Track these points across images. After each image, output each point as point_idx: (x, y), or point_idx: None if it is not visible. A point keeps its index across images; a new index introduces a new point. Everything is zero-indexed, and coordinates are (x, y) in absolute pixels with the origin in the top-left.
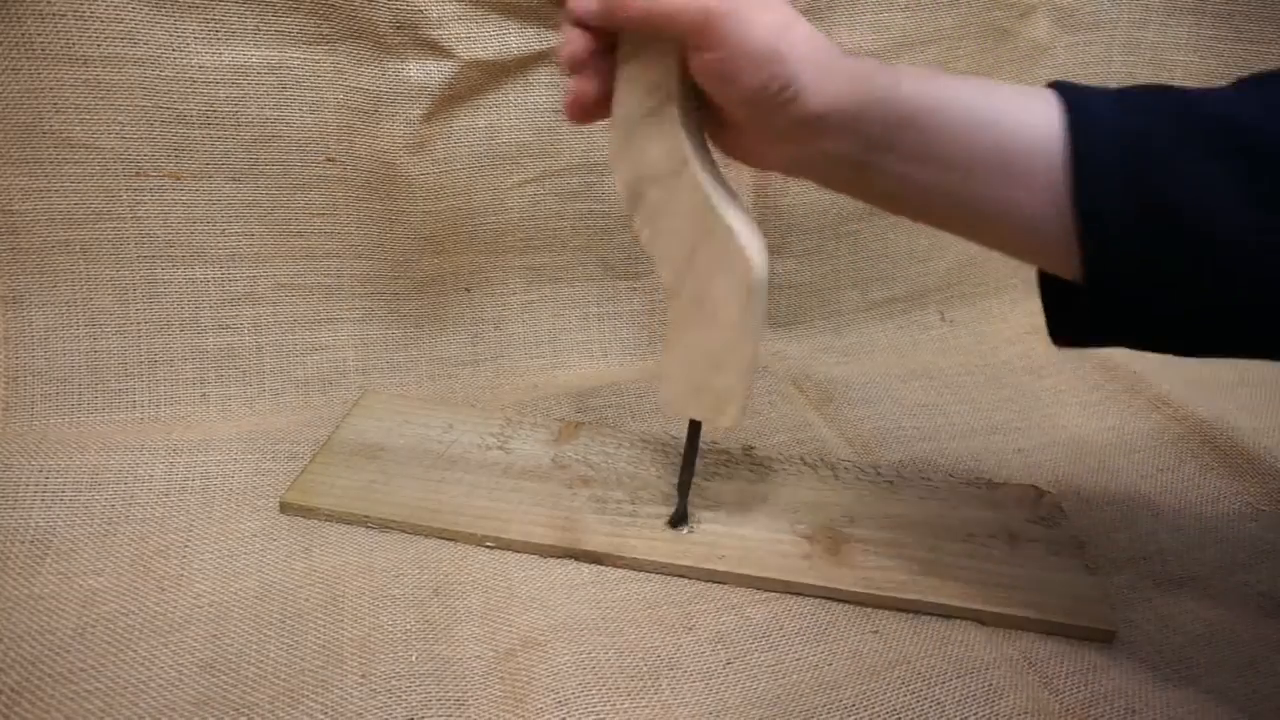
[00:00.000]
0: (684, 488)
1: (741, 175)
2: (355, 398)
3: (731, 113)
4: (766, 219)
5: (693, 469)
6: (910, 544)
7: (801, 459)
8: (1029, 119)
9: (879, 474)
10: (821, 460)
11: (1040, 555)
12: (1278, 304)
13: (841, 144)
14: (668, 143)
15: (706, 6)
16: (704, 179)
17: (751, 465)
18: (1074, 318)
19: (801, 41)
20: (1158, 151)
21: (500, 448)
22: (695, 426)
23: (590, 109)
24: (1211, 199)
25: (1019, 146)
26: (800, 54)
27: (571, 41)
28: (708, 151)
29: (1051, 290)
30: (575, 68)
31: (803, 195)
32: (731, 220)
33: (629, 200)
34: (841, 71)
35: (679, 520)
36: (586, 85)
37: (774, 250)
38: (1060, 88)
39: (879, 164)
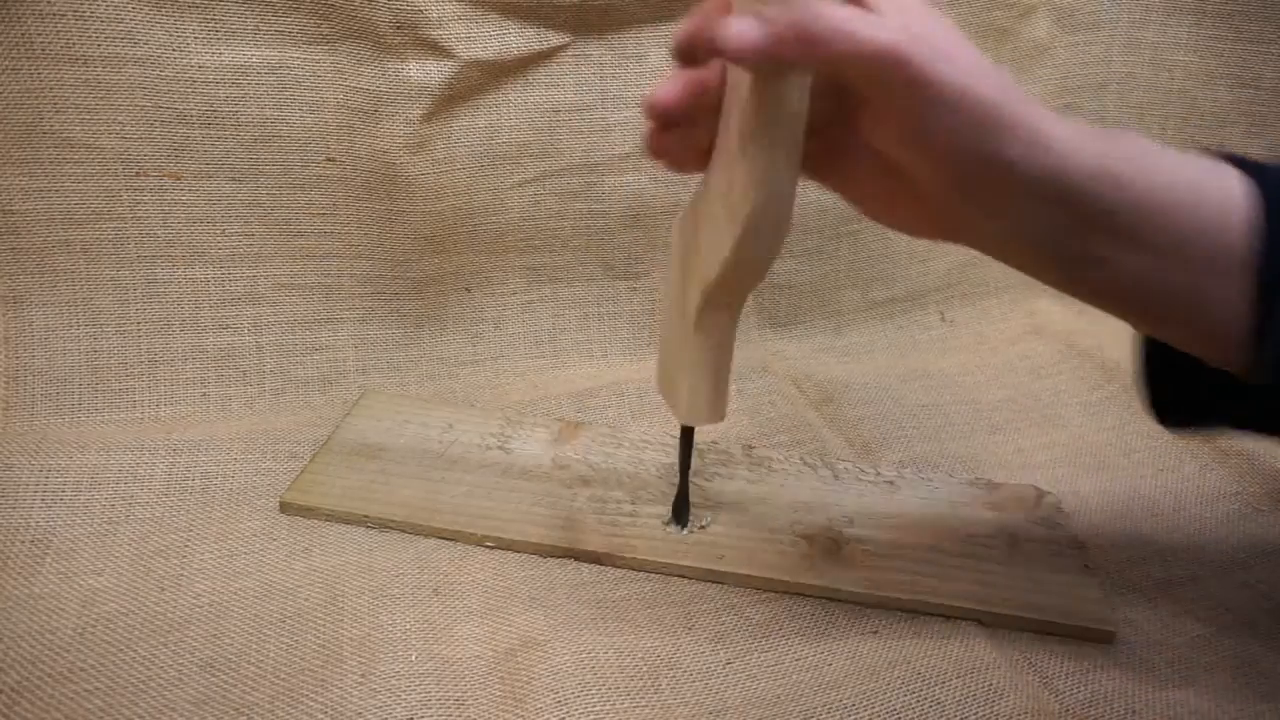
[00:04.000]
0: (682, 488)
1: None
2: (355, 398)
3: (920, 173)
4: None
5: (688, 468)
6: (910, 544)
7: (801, 459)
8: (1224, 199)
9: (879, 474)
10: (821, 460)
11: (1040, 555)
12: None
13: (1049, 218)
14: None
15: (911, 50)
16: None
17: (751, 465)
18: (1196, 402)
19: (1014, 93)
20: None
21: (500, 448)
22: (688, 427)
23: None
24: None
25: (1218, 232)
26: (1018, 109)
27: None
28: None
29: (1157, 371)
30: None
31: (803, 195)
32: (688, 215)
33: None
34: (1063, 133)
35: (679, 520)
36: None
37: None
38: (1241, 163)
39: (1091, 247)
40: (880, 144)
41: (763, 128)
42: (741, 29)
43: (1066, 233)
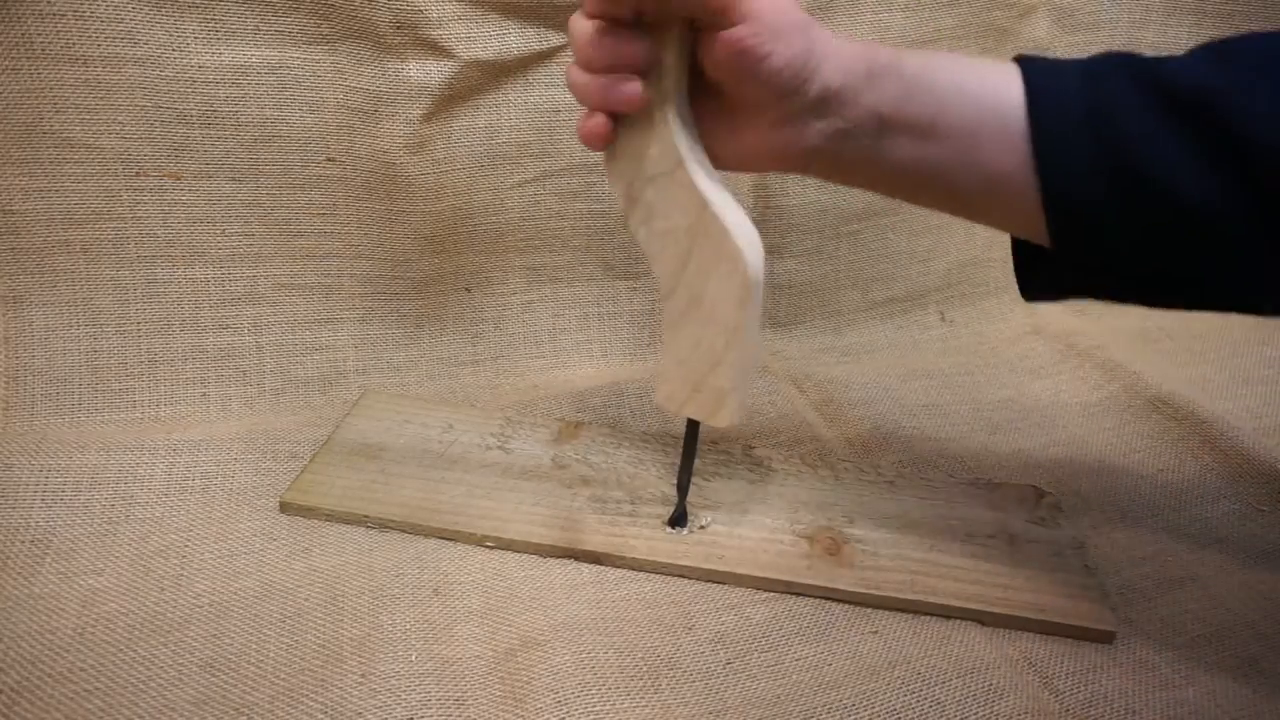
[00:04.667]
0: (683, 488)
1: (740, 176)
2: (355, 398)
3: (745, 92)
4: (767, 219)
5: (691, 469)
6: (910, 544)
7: (801, 459)
8: (1005, 91)
9: (879, 474)
10: (821, 460)
11: (1040, 555)
12: (1230, 260)
13: (849, 123)
14: (662, 143)
15: None
16: (699, 178)
17: (751, 465)
18: (1044, 274)
19: (810, 19)
20: (1117, 117)
21: (500, 448)
22: (693, 426)
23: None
24: (1168, 160)
25: (999, 119)
26: (815, 28)
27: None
28: (702, 151)
29: (1022, 248)
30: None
31: (803, 195)
32: (726, 219)
33: (625, 201)
34: (849, 46)
35: (679, 520)
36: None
37: (774, 250)
38: (1023, 61)
39: (882, 143)
40: (717, 71)
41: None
42: None
43: (861, 132)
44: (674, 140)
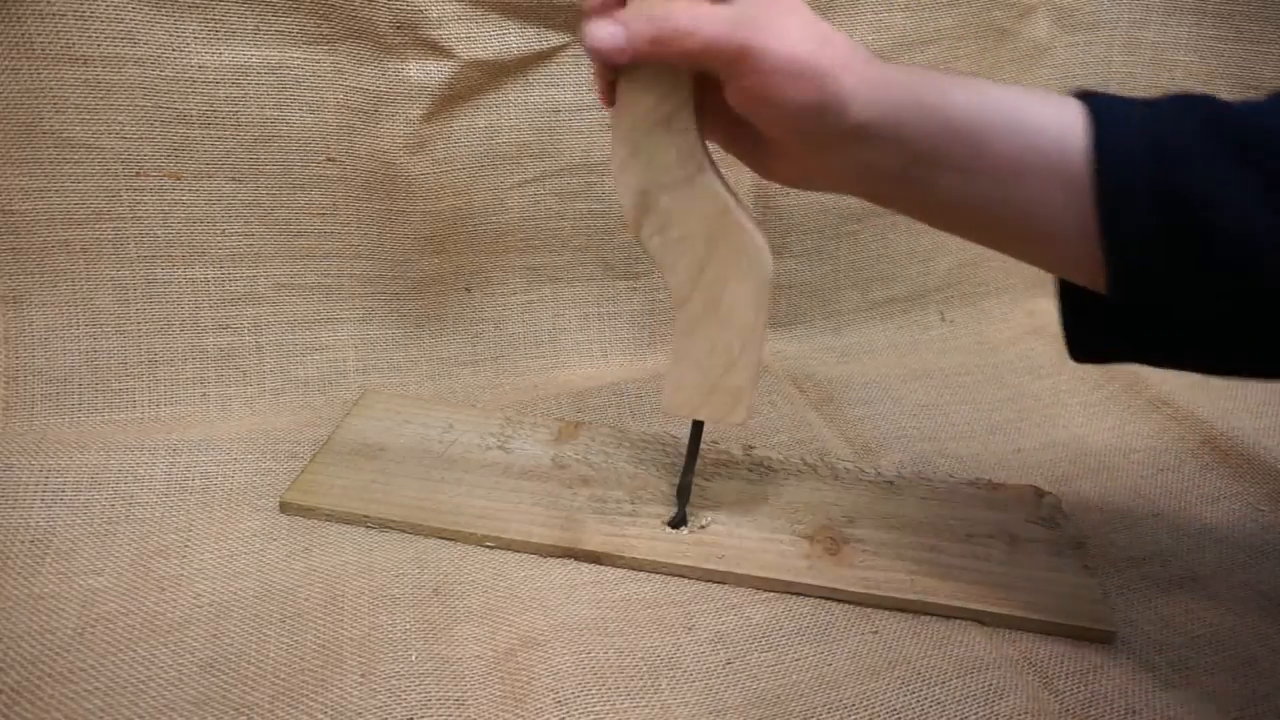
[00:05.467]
0: (684, 488)
1: (741, 175)
2: (355, 398)
3: (772, 132)
4: (767, 219)
5: (694, 469)
6: (910, 544)
7: (801, 459)
8: (1060, 126)
9: (879, 474)
10: (821, 460)
11: (1040, 555)
12: None
13: (887, 156)
14: (681, 150)
15: (738, 35)
16: (718, 184)
17: (751, 465)
18: (1094, 333)
19: (840, 51)
20: (1179, 154)
21: (500, 448)
22: (698, 427)
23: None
24: (1231, 202)
25: (1052, 154)
26: (840, 64)
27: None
28: (711, 156)
29: (1071, 306)
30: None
31: (803, 195)
32: (745, 223)
33: (636, 209)
34: (886, 80)
35: (679, 520)
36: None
37: (774, 250)
38: (1085, 96)
39: (924, 177)
40: (739, 111)
41: (621, 132)
42: (604, 33)
43: (901, 166)
44: (695, 147)
